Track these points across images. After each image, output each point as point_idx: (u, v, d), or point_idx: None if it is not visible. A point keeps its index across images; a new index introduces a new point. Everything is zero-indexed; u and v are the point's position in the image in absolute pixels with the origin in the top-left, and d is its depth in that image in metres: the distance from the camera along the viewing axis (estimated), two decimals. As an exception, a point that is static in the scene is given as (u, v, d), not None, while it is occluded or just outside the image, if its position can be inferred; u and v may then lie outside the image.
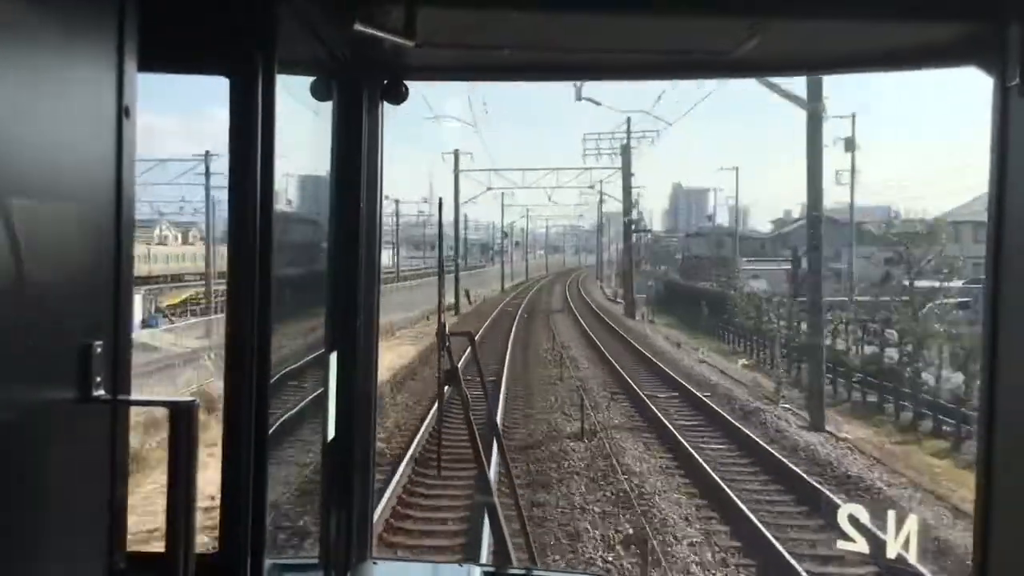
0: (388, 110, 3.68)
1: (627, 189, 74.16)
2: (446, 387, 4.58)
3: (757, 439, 20.42)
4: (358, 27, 2.85)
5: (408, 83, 3.62)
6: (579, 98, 42.46)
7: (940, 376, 26.94)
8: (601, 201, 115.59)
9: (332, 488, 3.66)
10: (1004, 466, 2.71)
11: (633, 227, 76.35)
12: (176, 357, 29.01)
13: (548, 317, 55.74)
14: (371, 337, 3.79)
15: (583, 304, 73.19)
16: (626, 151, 73.13)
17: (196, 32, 2.46)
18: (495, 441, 8.43)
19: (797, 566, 12.39)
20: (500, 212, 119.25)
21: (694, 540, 14.10)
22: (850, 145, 51.83)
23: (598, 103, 49.21)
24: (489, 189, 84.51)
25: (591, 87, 41.90)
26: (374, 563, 3.90)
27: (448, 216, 75.06)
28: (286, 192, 3.41)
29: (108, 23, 1.90)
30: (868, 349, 33.57)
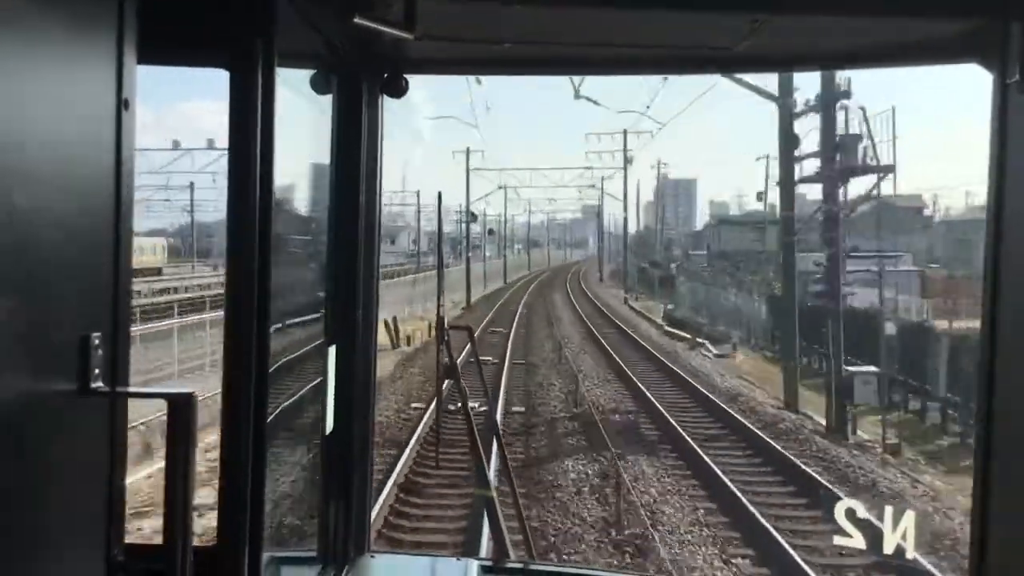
0: None
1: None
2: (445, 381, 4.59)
3: None
4: (358, 20, 2.85)
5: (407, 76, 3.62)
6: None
7: None
8: (626, 162, 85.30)
9: (330, 481, 3.67)
10: (1002, 463, 2.71)
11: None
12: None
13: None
14: (370, 330, 3.80)
15: (653, 365, 31.47)
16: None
17: (196, 25, 2.46)
18: (494, 437, 8.42)
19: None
20: (464, 184, 75.04)
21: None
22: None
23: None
24: (441, 118, 42.33)
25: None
26: (372, 556, 3.91)
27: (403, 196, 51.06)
28: (286, 185, 3.40)
29: (107, 15, 1.90)
30: None
